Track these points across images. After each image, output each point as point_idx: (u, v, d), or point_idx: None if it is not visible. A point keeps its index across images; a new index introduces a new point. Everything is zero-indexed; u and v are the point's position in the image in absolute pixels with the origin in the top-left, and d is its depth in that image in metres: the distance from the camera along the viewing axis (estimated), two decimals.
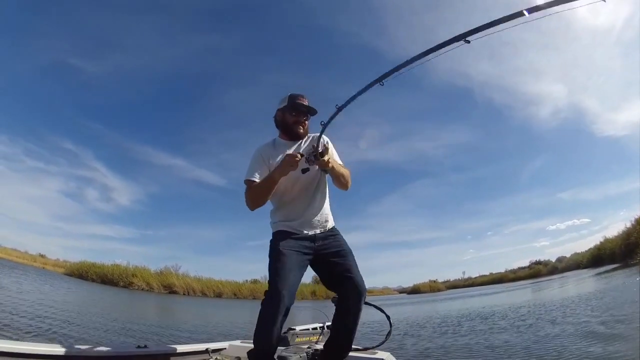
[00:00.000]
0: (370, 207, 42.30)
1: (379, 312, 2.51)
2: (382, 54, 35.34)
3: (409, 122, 45.83)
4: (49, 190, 31.74)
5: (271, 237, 1.89)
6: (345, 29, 35.64)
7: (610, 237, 20.45)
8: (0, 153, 25.04)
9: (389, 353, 2.13)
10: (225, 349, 2.34)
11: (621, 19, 28.13)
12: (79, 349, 1.73)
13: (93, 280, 18.56)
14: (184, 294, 19.99)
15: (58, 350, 1.59)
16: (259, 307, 1.65)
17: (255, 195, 1.82)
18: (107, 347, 1.85)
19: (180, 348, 2.17)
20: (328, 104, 1.59)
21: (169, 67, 36.94)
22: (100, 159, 33.10)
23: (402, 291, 42.27)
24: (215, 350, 2.26)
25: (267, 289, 1.66)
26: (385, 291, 43.27)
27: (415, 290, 37.53)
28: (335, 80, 39.58)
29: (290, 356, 1.81)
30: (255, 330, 1.63)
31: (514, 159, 45.37)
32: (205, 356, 2.16)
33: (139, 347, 1.93)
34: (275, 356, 1.72)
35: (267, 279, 1.74)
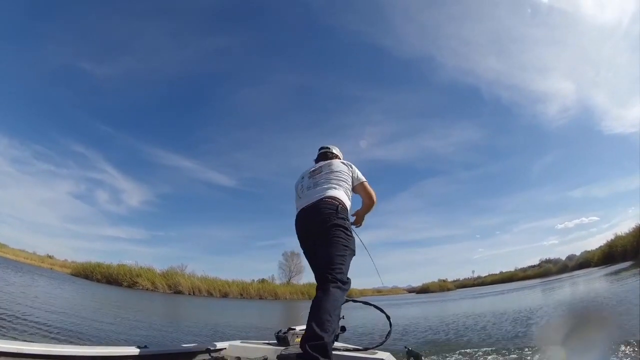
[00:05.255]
0: (381, 205, 41.68)
1: (378, 312, 2.50)
2: (389, 51, 35.16)
3: (418, 120, 45.67)
4: (59, 193, 32.42)
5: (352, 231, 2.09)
6: (353, 27, 35.61)
7: (622, 234, 20.02)
8: (10, 156, 25.61)
9: (389, 353, 2.11)
10: (225, 349, 2.34)
11: (628, 13, 27.53)
12: (79, 349, 1.73)
13: (98, 281, 18.77)
14: (189, 294, 20.06)
15: (58, 350, 1.59)
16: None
17: None
18: (108, 347, 1.87)
19: (181, 348, 2.18)
20: (335, 100, 1.57)
21: (178, 69, 37.45)
22: (110, 161, 33.67)
23: (412, 290, 42.13)
24: (215, 350, 2.26)
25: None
26: (394, 290, 43.11)
27: (424, 290, 37.46)
28: (343, 77, 39.55)
29: (291, 356, 1.80)
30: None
31: (524, 156, 44.98)
32: (206, 356, 2.16)
33: (139, 347, 1.95)
34: (276, 356, 1.77)
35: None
